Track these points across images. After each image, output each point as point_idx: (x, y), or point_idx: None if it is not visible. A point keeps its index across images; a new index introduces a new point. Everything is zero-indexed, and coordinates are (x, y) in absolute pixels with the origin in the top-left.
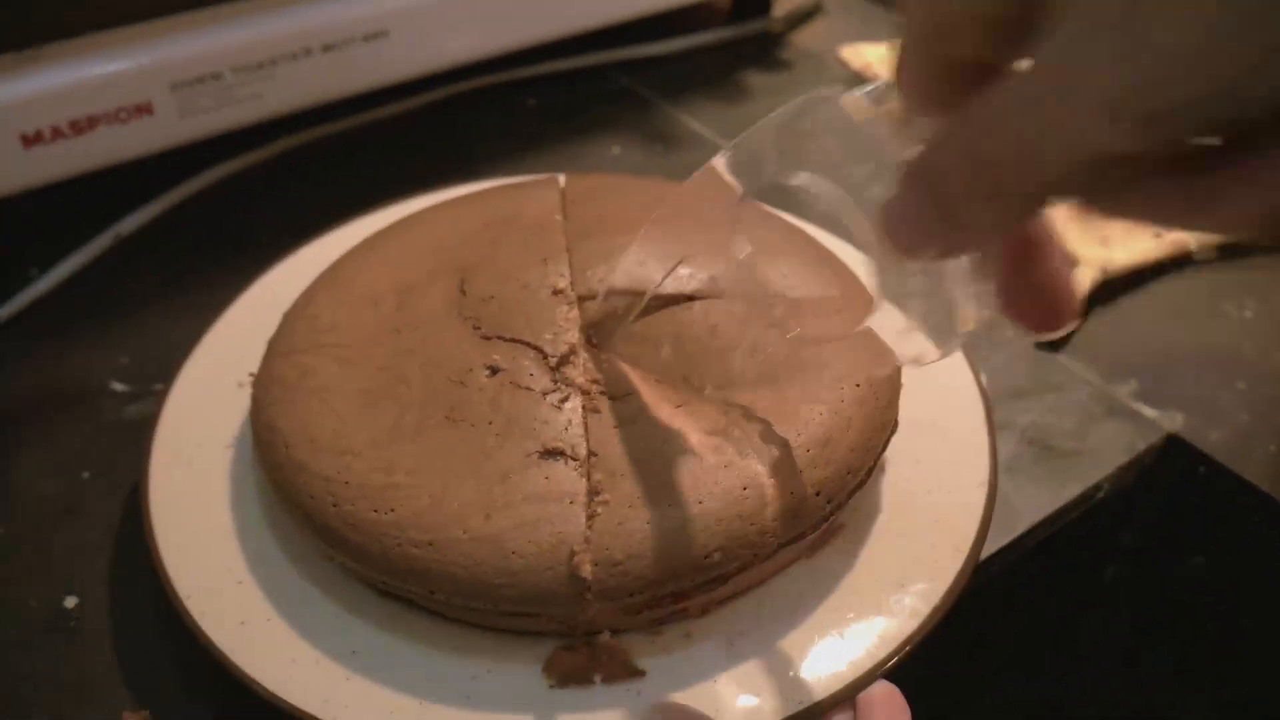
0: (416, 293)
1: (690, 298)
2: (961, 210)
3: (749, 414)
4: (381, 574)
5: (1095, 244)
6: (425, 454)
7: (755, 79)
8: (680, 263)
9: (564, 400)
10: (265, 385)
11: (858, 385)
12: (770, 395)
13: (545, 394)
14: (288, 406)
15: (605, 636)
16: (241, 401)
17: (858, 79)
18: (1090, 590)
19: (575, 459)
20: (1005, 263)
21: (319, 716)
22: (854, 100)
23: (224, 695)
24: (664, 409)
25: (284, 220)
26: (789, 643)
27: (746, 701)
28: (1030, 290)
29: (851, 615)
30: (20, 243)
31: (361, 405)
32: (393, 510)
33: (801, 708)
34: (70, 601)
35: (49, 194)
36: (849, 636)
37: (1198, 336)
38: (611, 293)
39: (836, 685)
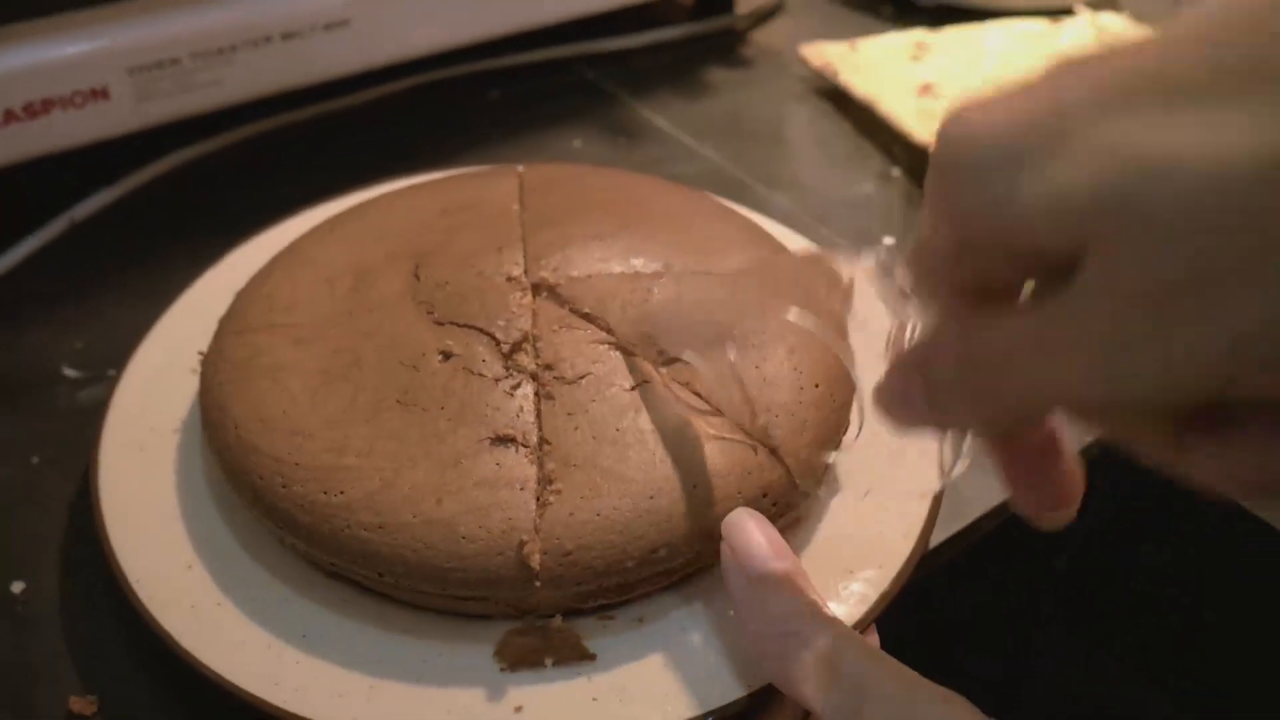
0: (372, 276)
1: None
2: (952, 409)
3: (704, 408)
4: (331, 556)
5: None
6: (377, 436)
7: (717, 75)
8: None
9: (516, 387)
10: (215, 364)
11: (817, 386)
12: (728, 396)
13: (497, 380)
14: (238, 386)
15: (557, 620)
16: (194, 387)
17: (817, 77)
18: (1043, 580)
19: (526, 446)
20: (1014, 455)
21: (269, 699)
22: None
23: (174, 680)
24: (620, 394)
25: (241, 208)
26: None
27: (697, 686)
28: (1034, 483)
29: None
30: None
31: (314, 386)
32: (343, 492)
33: (750, 691)
34: (17, 586)
35: (2, 178)
36: None
37: None
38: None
39: None
